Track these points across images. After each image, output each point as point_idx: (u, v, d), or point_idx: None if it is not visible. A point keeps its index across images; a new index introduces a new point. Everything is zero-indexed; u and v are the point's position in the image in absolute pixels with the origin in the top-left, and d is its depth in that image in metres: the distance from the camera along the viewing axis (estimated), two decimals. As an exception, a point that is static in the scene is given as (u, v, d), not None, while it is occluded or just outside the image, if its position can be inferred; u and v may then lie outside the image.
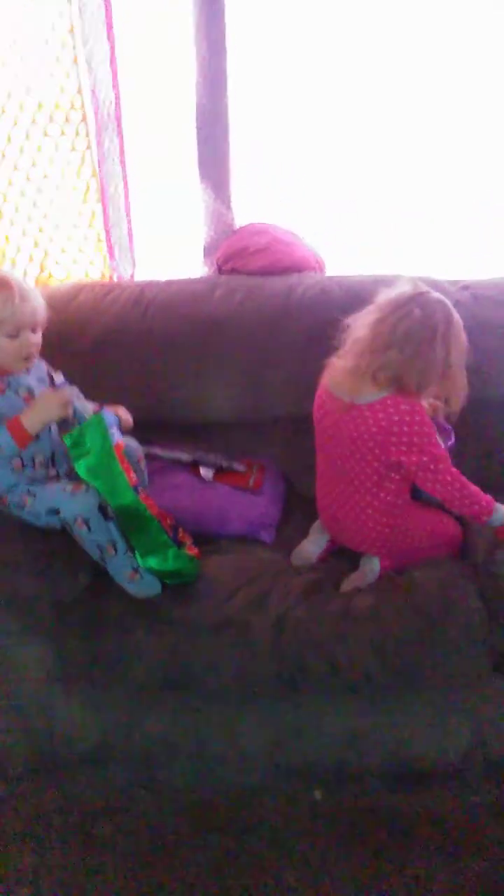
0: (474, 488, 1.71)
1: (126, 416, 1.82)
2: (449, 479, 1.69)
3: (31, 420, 1.66)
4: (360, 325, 1.71)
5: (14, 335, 1.67)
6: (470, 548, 1.85)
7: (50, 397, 1.69)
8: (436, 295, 1.68)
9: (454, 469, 1.71)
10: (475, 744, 1.71)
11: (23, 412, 1.67)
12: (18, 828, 1.70)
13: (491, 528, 1.75)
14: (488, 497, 1.72)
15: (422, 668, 1.63)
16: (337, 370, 1.75)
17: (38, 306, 1.71)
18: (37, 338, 1.73)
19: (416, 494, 1.84)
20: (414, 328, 1.63)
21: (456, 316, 1.68)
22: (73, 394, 1.76)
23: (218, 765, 1.74)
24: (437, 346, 1.64)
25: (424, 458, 1.67)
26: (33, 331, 1.71)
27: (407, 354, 1.63)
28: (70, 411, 1.70)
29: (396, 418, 1.65)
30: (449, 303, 1.68)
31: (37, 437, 1.69)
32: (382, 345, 1.65)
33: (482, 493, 1.72)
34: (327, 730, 1.71)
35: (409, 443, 1.66)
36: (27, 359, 1.73)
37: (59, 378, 1.73)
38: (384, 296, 1.70)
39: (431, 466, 1.68)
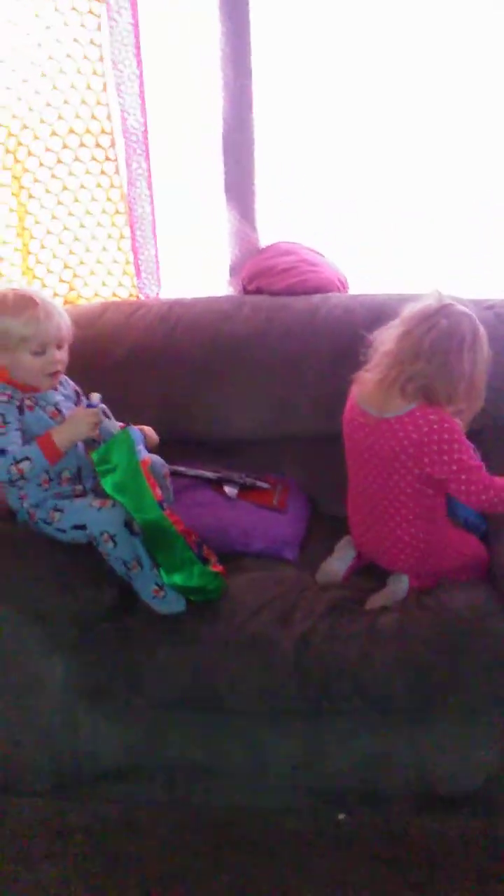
0: (483, 474, 1.70)
1: (151, 434, 1.83)
2: (481, 487, 1.68)
3: (62, 436, 1.68)
4: (386, 338, 1.72)
5: (40, 352, 1.70)
6: (496, 570, 1.84)
7: (81, 416, 1.71)
8: (461, 307, 1.69)
9: (487, 476, 1.69)
10: (503, 767, 1.68)
11: (54, 429, 1.70)
12: (42, 845, 1.69)
13: None
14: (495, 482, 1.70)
15: (448, 690, 1.61)
16: (365, 384, 1.75)
17: (63, 323, 1.74)
18: (62, 354, 1.75)
19: (449, 513, 1.84)
20: (441, 339, 1.64)
21: (481, 328, 1.69)
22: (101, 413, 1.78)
23: (241, 784, 1.73)
24: (465, 356, 1.65)
25: (454, 468, 1.67)
26: (58, 347, 1.74)
27: (435, 365, 1.64)
28: (97, 432, 1.72)
29: (426, 429, 1.65)
30: (474, 315, 1.69)
31: (64, 452, 1.72)
32: (410, 357, 1.66)
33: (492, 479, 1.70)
34: (352, 750, 1.69)
35: (438, 451, 1.66)
36: (53, 375, 1.76)
37: (95, 397, 1.76)
38: (409, 309, 1.71)
39: (463, 477, 1.67)
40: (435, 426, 1.65)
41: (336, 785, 1.70)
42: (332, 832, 1.69)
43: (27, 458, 1.65)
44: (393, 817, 1.71)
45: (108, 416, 1.77)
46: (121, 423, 1.83)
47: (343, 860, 1.64)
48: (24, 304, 1.69)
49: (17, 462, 1.65)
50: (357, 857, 1.64)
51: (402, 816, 1.71)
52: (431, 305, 1.69)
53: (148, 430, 1.83)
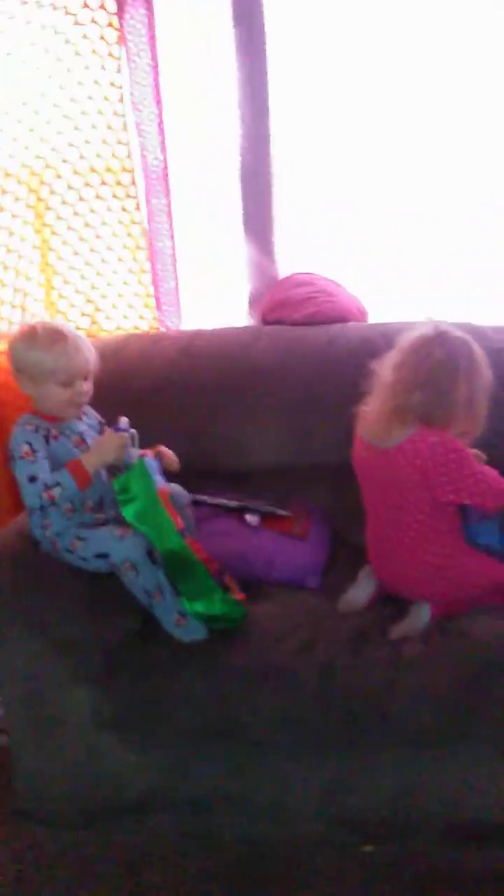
0: (494, 480, 1.71)
1: (170, 455, 1.85)
2: (498, 493, 1.70)
3: (91, 461, 1.71)
4: (384, 369, 1.73)
5: (68, 384, 1.74)
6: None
7: (110, 439, 1.74)
8: (456, 333, 1.70)
9: (497, 481, 1.70)
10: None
11: (82, 454, 1.74)
12: (67, 876, 1.69)
13: None
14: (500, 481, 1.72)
15: (475, 719, 1.59)
16: (367, 417, 1.77)
17: (91, 356, 1.78)
18: (88, 386, 1.79)
19: (469, 541, 1.83)
20: (436, 369, 1.65)
21: (477, 352, 1.69)
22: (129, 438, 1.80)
23: (267, 815, 1.71)
24: (461, 384, 1.66)
25: (466, 490, 1.68)
26: (85, 379, 1.78)
27: (431, 395, 1.65)
28: (122, 454, 1.74)
29: (428, 453, 1.66)
30: (471, 339, 1.70)
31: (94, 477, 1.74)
32: (406, 387, 1.67)
33: (497, 480, 1.72)
34: (378, 782, 1.67)
35: (447, 475, 1.66)
36: (79, 406, 1.79)
37: (123, 422, 1.79)
38: (405, 339, 1.72)
39: (480, 480, 1.68)
40: (438, 448, 1.66)
41: (362, 816, 1.68)
42: (358, 865, 1.67)
43: (58, 484, 1.68)
44: (420, 850, 1.68)
45: (134, 442, 1.79)
46: (141, 451, 1.85)
47: (369, 893, 1.61)
48: (54, 337, 1.73)
49: (49, 488, 1.68)
50: (383, 891, 1.61)
51: (429, 849, 1.68)
52: (426, 334, 1.70)
53: (166, 451, 1.85)
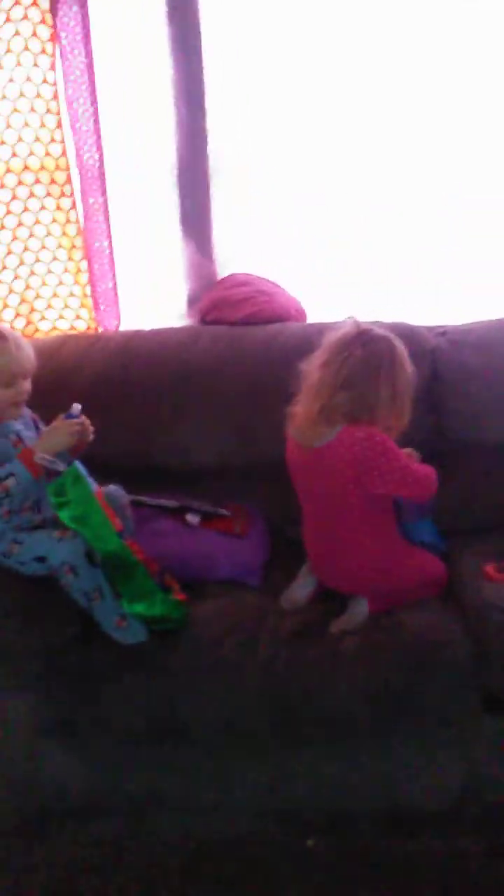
0: (420, 470, 1.78)
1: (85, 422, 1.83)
2: (424, 485, 1.76)
3: (43, 448, 1.70)
4: (310, 369, 1.76)
5: (10, 384, 1.74)
6: (456, 587, 1.87)
7: (60, 426, 1.75)
8: (378, 332, 1.73)
9: (421, 473, 1.76)
10: (468, 786, 1.69)
11: (34, 443, 1.73)
12: (5, 883, 1.66)
13: None
14: (426, 470, 1.79)
15: (411, 711, 1.63)
16: (296, 418, 1.79)
17: (30, 355, 1.79)
18: (28, 385, 1.79)
19: (406, 538, 1.88)
20: (358, 368, 1.69)
21: (399, 349, 1.73)
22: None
23: (209, 813, 1.72)
24: (382, 382, 1.69)
25: (396, 482, 1.72)
26: (24, 378, 1.77)
27: (354, 393, 1.69)
28: (74, 440, 1.74)
29: (356, 448, 1.69)
30: (392, 337, 1.74)
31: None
32: (331, 388, 1.70)
33: (423, 469, 1.79)
34: (317, 775, 1.69)
35: (378, 470, 1.70)
36: (20, 406, 1.77)
37: (76, 408, 1.79)
38: (328, 338, 1.75)
39: (408, 473, 1.73)
40: (366, 443, 1.69)
41: (303, 810, 1.70)
42: (301, 858, 1.69)
43: (11, 475, 1.67)
44: (361, 840, 1.71)
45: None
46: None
47: (313, 886, 1.63)
48: None
49: (2, 480, 1.67)
50: (326, 882, 1.64)
51: (370, 839, 1.71)
52: (348, 333, 1.73)
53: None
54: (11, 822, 1.75)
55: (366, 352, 1.69)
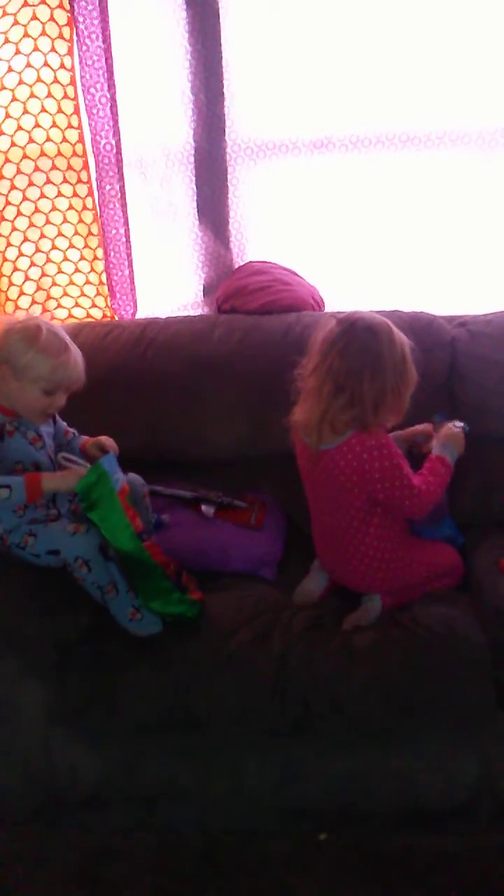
0: (434, 480, 1.74)
1: (111, 444, 1.84)
2: (425, 501, 1.72)
3: (50, 484, 1.67)
4: (306, 374, 1.71)
5: (51, 393, 1.70)
6: (472, 581, 1.85)
7: (77, 474, 1.68)
8: (361, 323, 1.66)
9: (421, 485, 1.72)
10: (483, 781, 1.68)
11: (46, 474, 1.69)
12: (20, 873, 1.67)
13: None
14: (442, 467, 1.77)
15: (425, 705, 1.61)
16: (300, 422, 1.74)
17: (82, 374, 1.75)
18: (64, 400, 1.75)
19: (412, 529, 1.86)
20: (350, 367, 1.63)
21: (386, 337, 1.65)
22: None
23: (221, 806, 1.72)
24: (378, 375, 1.63)
25: (397, 492, 1.69)
26: (65, 393, 1.74)
27: (354, 393, 1.63)
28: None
29: (366, 456, 1.66)
30: (375, 324, 1.66)
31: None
32: (329, 392, 1.65)
33: (439, 474, 1.75)
34: (331, 769, 1.68)
35: (381, 479, 1.67)
36: (48, 416, 1.77)
37: (109, 445, 1.83)
38: (314, 339, 1.70)
39: (406, 494, 1.69)
40: (375, 453, 1.66)
41: (316, 805, 1.70)
42: (313, 853, 1.68)
43: (7, 487, 1.63)
44: (374, 836, 1.70)
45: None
46: (87, 439, 1.86)
47: (325, 880, 1.63)
48: (57, 348, 1.68)
49: None
50: (339, 877, 1.63)
51: (383, 834, 1.70)
52: (333, 331, 1.67)
53: (107, 441, 1.85)
54: (26, 810, 1.75)
55: (357, 348, 1.63)
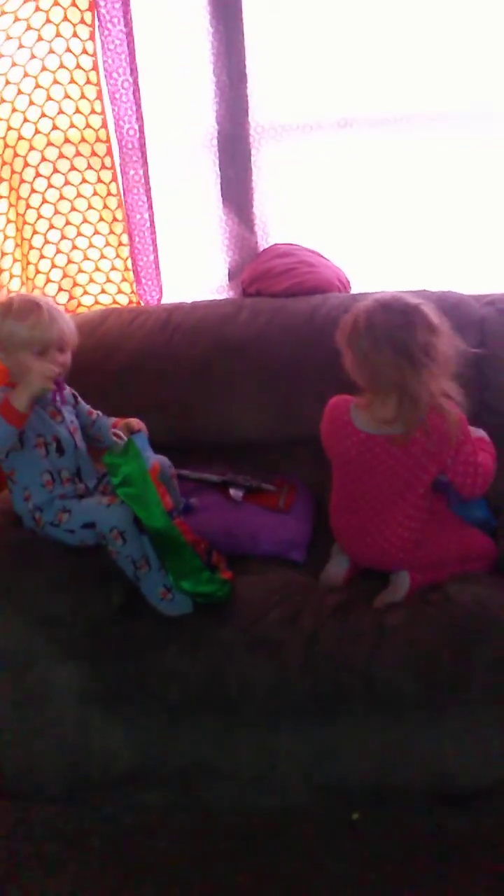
0: (490, 457, 1.80)
1: (140, 424, 1.88)
2: (481, 482, 1.76)
3: (19, 396, 1.64)
4: (352, 371, 1.73)
5: (43, 354, 1.71)
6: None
7: (34, 369, 1.67)
8: (378, 306, 1.67)
9: (484, 462, 1.77)
10: (516, 761, 1.67)
11: (8, 393, 1.66)
12: (57, 849, 1.70)
13: None
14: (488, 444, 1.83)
15: (457, 684, 1.60)
16: (362, 414, 1.76)
17: (67, 327, 1.76)
18: (64, 358, 1.77)
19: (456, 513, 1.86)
20: (386, 361, 1.65)
21: (399, 315, 1.66)
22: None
23: (254, 785, 1.72)
24: (415, 357, 1.64)
25: (467, 469, 1.73)
26: (60, 350, 1.75)
27: (409, 385, 1.65)
28: (52, 384, 1.69)
29: (444, 427, 1.68)
30: (397, 302, 1.68)
31: (60, 451, 1.76)
32: (383, 391, 1.69)
33: (490, 452, 1.81)
34: (363, 748, 1.68)
35: (458, 450, 1.70)
36: (51, 378, 1.75)
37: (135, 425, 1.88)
38: (339, 335, 1.73)
39: (469, 478, 1.74)
40: (454, 429, 1.68)
41: (349, 784, 1.70)
42: (346, 831, 1.69)
43: None
44: (406, 815, 1.70)
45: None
46: (114, 420, 1.88)
47: (358, 859, 1.63)
48: (28, 308, 1.71)
49: None
50: (371, 856, 1.63)
51: (415, 814, 1.70)
52: (353, 326, 1.69)
53: (135, 421, 1.88)
54: (59, 790, 1.77)
55: (388, 341, 1.64)
